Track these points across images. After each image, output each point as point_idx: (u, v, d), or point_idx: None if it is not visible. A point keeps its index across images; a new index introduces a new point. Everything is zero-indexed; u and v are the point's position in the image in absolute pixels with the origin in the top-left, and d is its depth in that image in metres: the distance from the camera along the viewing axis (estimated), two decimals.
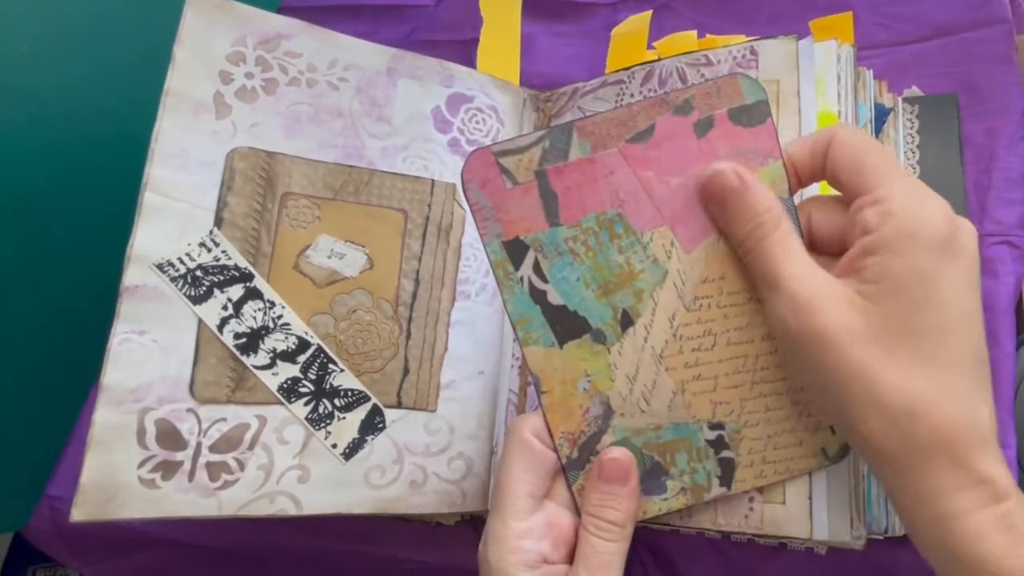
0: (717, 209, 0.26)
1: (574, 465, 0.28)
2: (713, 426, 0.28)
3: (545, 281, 0.27)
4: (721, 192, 0.26)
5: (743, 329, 0.27)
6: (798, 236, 0.25)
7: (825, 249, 0.27)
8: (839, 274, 0.24)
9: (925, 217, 0.23)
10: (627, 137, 0.27)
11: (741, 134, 0.27)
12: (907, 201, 0.23)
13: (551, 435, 0.28)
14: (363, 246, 0.35)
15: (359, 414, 0.33)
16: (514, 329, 0.27)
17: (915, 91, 0.40)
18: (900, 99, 0.38)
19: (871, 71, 0.36)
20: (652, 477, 0.28)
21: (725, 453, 0.28)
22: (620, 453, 0.27)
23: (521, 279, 0.27)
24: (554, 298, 0.27)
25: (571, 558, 0.27)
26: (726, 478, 0.28)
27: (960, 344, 0.22)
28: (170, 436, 0.30)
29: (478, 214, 0.27)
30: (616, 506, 0.26)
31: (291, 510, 0.31)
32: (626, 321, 0.27)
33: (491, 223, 0.27)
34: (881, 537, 0.29)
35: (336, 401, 0.33)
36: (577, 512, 0.28)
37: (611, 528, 0.26)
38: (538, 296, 0.27)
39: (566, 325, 0.27)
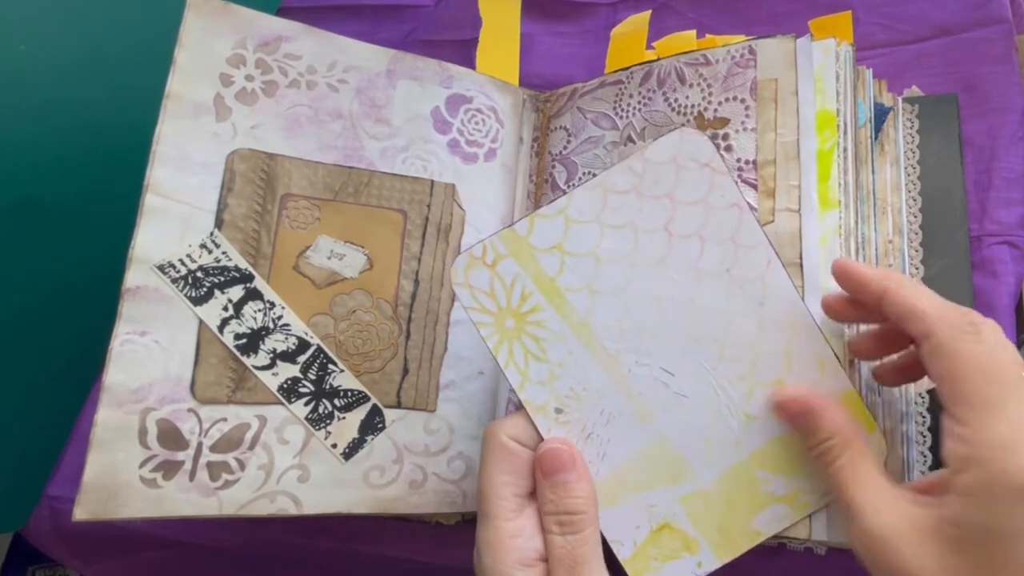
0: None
1: None
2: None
3: None
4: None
5: None
6: (871, 457, 0.24)
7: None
8: (922, 488, 0.23)
9: (1015, 476, 0.20)
10: None
11: None
12: (1000, 454, 0.20)
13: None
14: (363, 247, 0.35)
15: (359, 414, 0.33)
16: None
17: (915, 91, 0.40)
18: (900, 99, 0.38)
19: (871, 70, 0.36)
20: None
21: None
22: (554, 443, 0.27)
23: None
24: None
25: None
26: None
27: None
28: (171, 436, 0.30)
29: None
30: (567, 495, 0.26)
31: (291, 510, 0.31)
32: None
33: None
34: None
35: (336, 401, 0.33)
36: None
37: (570, 520, 0.25)
38: None
39: None
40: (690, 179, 0.28)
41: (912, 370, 0.28)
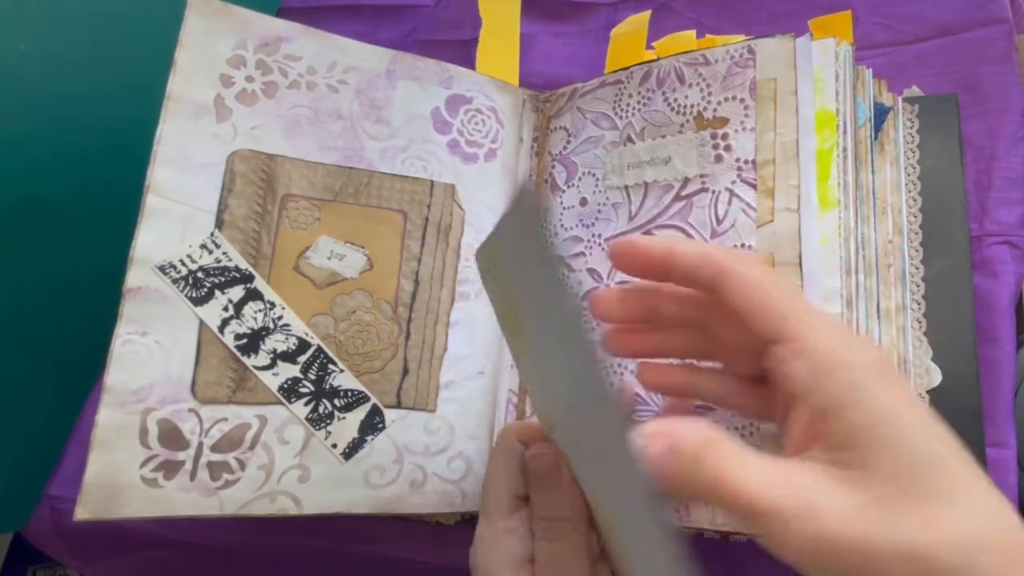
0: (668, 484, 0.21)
1: None
2: None
3: None
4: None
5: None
6: (742, 446, 0.21)
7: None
8: (798, 450, 0.21)
9: (858, 355, 0.20)
10: None
11: None
12: (833, 344, 0.20)
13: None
14: (363, 247, 0.35)
15: (359, 414, 0.34)
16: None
17: (915, 91, 0.40)
18: (900, 99, 0.38)
19: (871, 70, 0.36)
20: None
21: None
22: (539, 449, 0.26)
23: None
24: None
25: None
26: None
27: (961, 466, 0.20)
28: (172, 436, 0.30)
29: None
30: (552, 501, 0.25)
31: (291, 509, 0.31)
32: None
33: None
34: None
35: (336, 401, 0.33)
36: None
37: (560, 526, 0.25)
38: None
39: None
40: None
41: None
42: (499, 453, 0.27)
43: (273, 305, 0.33)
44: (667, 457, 0.21)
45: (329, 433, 0.33)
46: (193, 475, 0.30)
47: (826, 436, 0.20)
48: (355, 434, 0.33)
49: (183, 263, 0.32)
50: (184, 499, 0.30)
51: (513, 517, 0.26)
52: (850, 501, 0.19)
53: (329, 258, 0.34)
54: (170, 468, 0.30)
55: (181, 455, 0.30)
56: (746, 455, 0.20)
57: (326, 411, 0.33)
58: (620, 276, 0.35)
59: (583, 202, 0.37)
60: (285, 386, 0.33)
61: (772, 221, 0.31)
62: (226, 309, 0.32)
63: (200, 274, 0.32)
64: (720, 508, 0.22)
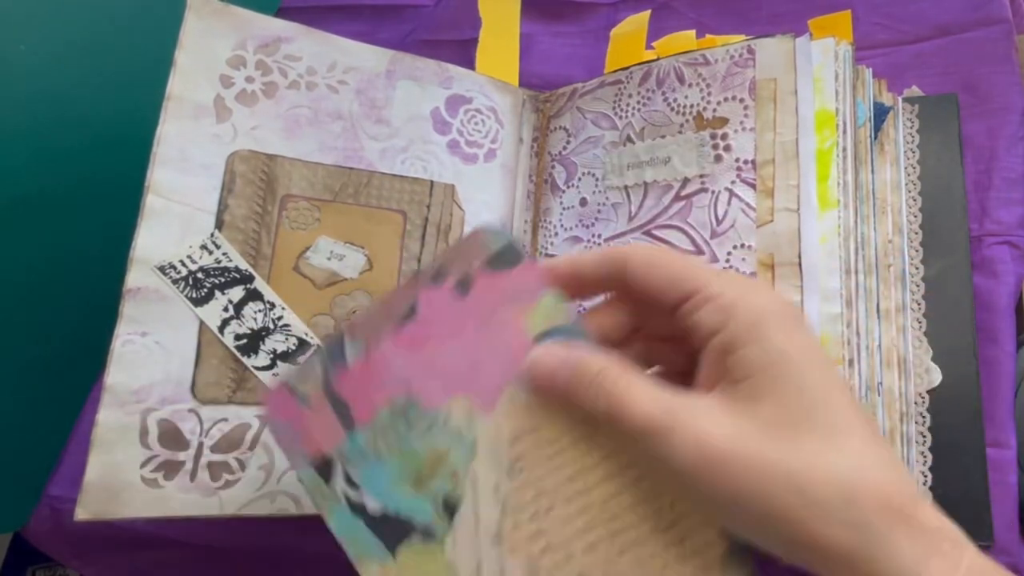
0: (556, 395, 0.24)
1: None
2: None
3: (358, 488, 0.25)
4: (548, 376, 0.24)
5: (576, 478, 0.24)
6: (639, 373, 0.23)
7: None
8: (708, 388, 0.22)
9: (761, 301, 0.21)
10: (394, 323, 0.25)
11: (502, 280, 0.25)
12: (739, 291, 0.22)
13: None
14: (362, 247, 0.35)
15: None
16: (346, 550, 0.25)
17: (915, 91, 0.40)
18: (900, 99, 0.38)
19: (870, 70, 0.36)
20: None
21: None
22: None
23: (337, 496, 0.25)
24: (373, 505, 0.25)
25: None
26: None
27: (849, 410, 0.21)
28: (172, 436, 0.30)
29: (283, 446, 0.26)
30: None
31: (291, 509, 0.31)
32: (450, 508, 0.25)
33: (297, 450, 0.25)
34: None
35: None
36: None
37: None
38: (357, 508, 0.25)
39: (391, 530, 0.25)
40: None
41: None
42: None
43: (273, 305, 0.33)
44: (567, 372, 0.23)
45: None
46: (193, 475, 0.30)
47: (726, 373, 0.22)
48: None
49: (183, 263, 0.32)
50: (184, 499, 0.30)
51: None
52: (738, 423, 0.20)
53: (329, 258, 0.34)
54: (170, 468, 0.30)
55: (181, 455, 0.30)
56: (642, 380, 0.22)
57: None
58: None
59: (583, 202, 0.37)
60: None
61: (772, 221, 0.31)
62: (226, 309, 0.32)
63: (200, 274, 0.32)
64: (615, 426, 0.22)
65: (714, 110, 0.33)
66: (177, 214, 0.32)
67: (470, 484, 0.25)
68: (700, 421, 0.21)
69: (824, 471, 0.20)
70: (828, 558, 0.20)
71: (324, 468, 0.25)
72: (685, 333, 0.23)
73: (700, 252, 0.32)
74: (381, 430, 0.25)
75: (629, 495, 0.24)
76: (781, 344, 0.21)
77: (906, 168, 0.37)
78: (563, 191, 0.38)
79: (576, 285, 0.25)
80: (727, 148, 0.33)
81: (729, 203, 0.32)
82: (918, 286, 0.35)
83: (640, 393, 0.22)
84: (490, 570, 0.24)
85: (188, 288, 0.32)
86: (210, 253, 0.32)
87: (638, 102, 0.36)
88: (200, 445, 0.31)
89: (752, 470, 0.20)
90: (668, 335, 0.25)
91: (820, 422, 0.20)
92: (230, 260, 0.33)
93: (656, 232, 0.34)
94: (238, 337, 0.32)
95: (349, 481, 0.25)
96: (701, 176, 0.33)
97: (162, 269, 0.31)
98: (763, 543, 0.22)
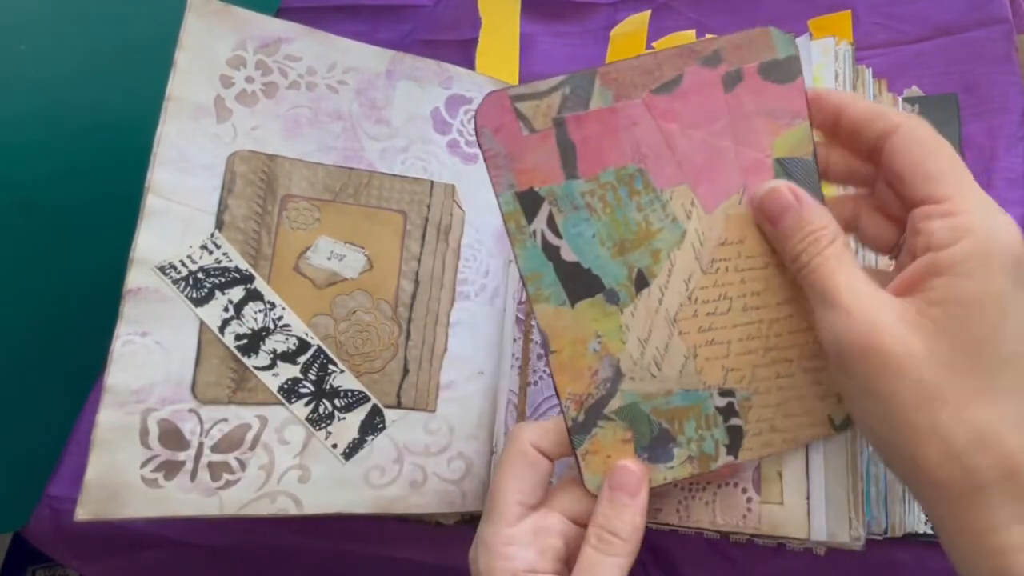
0: (770, 226, 0.26)
1: (580, 429, 0.27)
2: (724, 393, 0.27)
3: (559, 236, 0.26)
4: (777, 209, 0.25)
5: (759, 294, 0.26)
6: (853, 254, 0.24)
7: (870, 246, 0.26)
8: (899, 292, 0.22)
9: (1003, 238, 0.21)
10: (652, 87, 0.25)
11: (770, 91, 0.25)
12: (984, 218, 0.21)
13: (558, 396, 0.27)
14: (363, 247, 0.35)
15: (359, 414, 0.34)
16: (524, 286, 0.26)
17: (915, 91, 0.40)
18: (900, 99, 0.38)
19: (871, 70, 0.36)
20: (659, 445, 0.27)
21: (734, 421, 0.27)
22: (633, 464, 0.27)
23: (534, 233, 0.26)
24: (567, 254, 0.26)
25: (561, 569, 0.26)
26: (734, 447, 0.27)
27: None
28: (172, 436, 0.30)
29: (491, 162, 0.25)
30: (622, 517, 0.26)
31: (292, 510, 0.32)
32: (641, 282, 0.26)
33: (504, 172, 0.25)
34: (880, 537, 0.29)
35: (336, 401, 0.33)
36: (574, 521, 0.27)
37: (614, 541, 0.25)
38: (551, 252, 0.26)
39: (579, 283, 0.26)
40: None
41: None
42: (510, 458, 0.27)
43: (273, 305, 0.33)
44: (791, 219, 0.24)
45: (329, 433, 0.33)
46: (193, 475, 0.30)
47: (929, 287, 0.22)
48: (355, 434, 0.33)
49: (183, 264, 0.32)
50: (184, 499, 0.30)
51: (518, 525, 0.26)
52: (921, 346, 0.21)
53: (329, 258, 0.35)
54: (170, 468, 0.30)
55: (181, 455, 0.30)
56: (854, 263, 0.23)
57: (326, 411, 0.33)
58: None
59: None
60: (285, 386, 0.33)
61: None
62: (226, 309, 0.32)
63: (200, 275, 0.32)
64: (804, 282, 0.24)
65: None
66: (177, 214, 0.32)
67: (667, 267, 0.26)
68: (887, 324, 0.21)
69: (968, 415, 0.20)
70: (932, 487, 0.21)
71: (528, 202, 0.26)
72: (908, 227, 0.23)
73: None
74: (601, 189, 0.26)
75: (794, 327, 0.27)
76: (999, 290, 0.21)
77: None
78: None
79: (831, 124, 0.25)
80: None
81: None
82: None
83: (847, 271, 0.23)
84: (657, 342, 0.27)
85: (188, 288, 0.32)
86: (210, 253, 0.32)
87: None
88: (200, 445, 0.31)
89: (912, 396, 0.21)
90: (879, 206, 0.25)
91: (993, 375, 0.21)
92: (230, 260, 0.33)
93: None
94: (238, 337, 0.32)
95: (551, 225, 0.26)
96: None
97: (162, 269, 0.31)
98: (887, 449, 0.23)
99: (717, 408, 0.27)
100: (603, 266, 0.26)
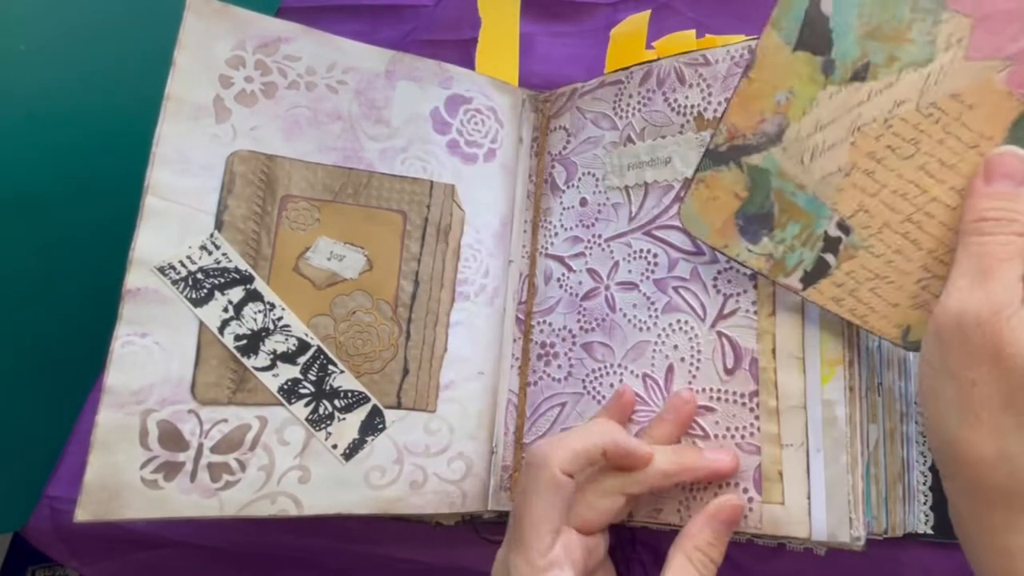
0: (983, 182, 0.25)
1: (714, 157, 0.27)
2: (841, 226, 0.26)
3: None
4: (1003, 171, 0.24)
5: (945, 166, 0.25)
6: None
7: None
8: None
9: None
10: None
11: None
12: None
13: (720, 121, 0.27)
14: (362, 248, 0.35)
15: (359, 415, 0.34)
16: (774, 5, 0.26)
17: None
18: None
19: None
20: (757, 223, 0.27)
21: (829, 256, 0.27)
22: (737, 502, 0.28)
23: None
24: (826, 5, 0.26)
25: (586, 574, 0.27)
26: (810, 278, 0.27)
27: None
28: (172, 437, 0.30)
29: None
30: (720, 547, 0.27)
31: (292, 510, 0.31)
32: (860, 74, 0.26)
33: None
34: (880, 537, 0.29)
35: (336, 402, 0.33)
36: (580, 530, 0.28)
37: (710, 567, 0.27)
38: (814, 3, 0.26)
39: (814, 35, 0.26)
40: None
41: None
42: (545, 487, 0.27)
43: (273, 306, 0.33)
44: (1009, 186, 0.24)
45: (329, 434, 0.33)
46: (193, 476, 0.30)
47: None
48: (355, 435, 0.33)
49: (183, 264, 0.32)
50: (184, 500, 0.30)
51: (554, 549, 0.27)
52: None
53: (329, 259, 0.34)
54: (170, 469, 0.30)
55: (181, 456, 0.30)
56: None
57: (326, 412, 0.33)
58: (620, 276, 0.35)
59: (583, 202, 0.37)
60: (285, 387, 0.33)
61: None
62: (226, 310, 0.32)
63: (200, 275, 0.32)
64: (967, 246, 0.24)
65: (715, 110, 0.33)
66: (177, 215, 0.32)
67: (891, 78, 0.26)
68: (1010, 317, 0.22)
69: None
70: (970, 477, 0.22)
71: None
72: None
73: (700, 252, 0.32)
74: None
75: (947, 220, 0.25)
76: None
77: None
78: (563, 191, 0.38)
79: None
80: None
81: None
82: None
83: (1012, 256, 0.23)
84: (828, 136, 0.26)
85: (188, 289, 0.32)
86: (210, 254, 0.32)
87: (638, 102, 0.36)
88: (200, 446, 0.31)
89: (994, 392, 0.21)
90: None
91: None
92: (230, 261, 0.33)
93: (656, 232, 0.34)
94: (238, 338, 0.32)
95: None
96: None
97: (162, 270, 0.31)
98: (929, 416, 0.24)
99: (826, 233, 0.27)
100: (844, 35, 0.26)
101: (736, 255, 0.28)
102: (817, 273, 0.27)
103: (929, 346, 0.24)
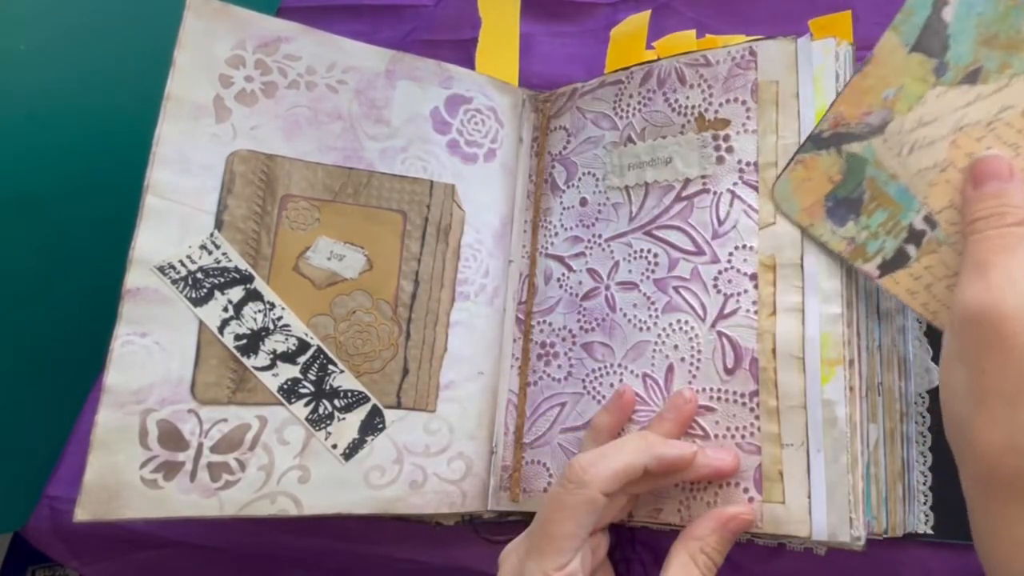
0: (972, 187, 0.26)
1: (816, 141, 0.28)
2: (928, 220, 0.27)
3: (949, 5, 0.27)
4: (986, 174, 0.26)
5: None
6: None
7: None
8: None
9: None
10: None
11: None
12: None
13: (830, 108, 0.28)
14: (362, 247, 0.35)
15: (359, 414, 0.34)
16: (902, 7, 0.27)
17: None
18: None
19: None
20: (844, 207, 0.28)
21: (911, 248, 0.28)
22: (750, 516, 0.28)
23: None
24: (947, 12, 0.27)
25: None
26: (889, 267, 0.28)
27: None
28: (172, 437, 0.30)
29: None
30: (724, 552, 0.28)
31: (292, 510, 0.31)
32: (971, 78, 0.27)
33: None
34: (880, 537, 0.29)
35: (336, 402, 0.33)
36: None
37: (712, 569, 0.28)
38: (939, 1, 0.27)
39: (932, 39, 0.27)
40: None
41: None
42: (578, 505, 0.27)
43: (273, 306, 0.33)
44: (996, 186, 0.25)
45: (329, 434, 0.33)
46: (193, 476, 0.30)
47: None
48: (355, 434, 0.33)
49: (182, 264, 0.32)
50: (184, 500, 0.30)
51: (570, 566, 0.27)
52: None
53: (329, 258, 0.34)
54: (170, 469, 0.30)
55: (181, 456, 0.30)
56: None
57: (326, 412, 0.33)
58: (620, 276, 0.35)
59: (583, 202, 0.37)
60: (285, 387, 0.33)
61: (774, 223, 0.31)
62: (226, 310, 0.32)
63: (200, 275, 0.32)
64: (969, 245, 0.25)
65: (716, 111, 0.33)
66: (176, 214, 0.32)
67: (1000, 84, 0.27)
68: (1015, 307, 0.22)
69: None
70: (982, 466, 0.22)
71: None
72: None
73: (701, 252, 0.32)
74: None
75: None
76: None
77: None
78: (563, 191, 0.38)
79: None
80: (729, 150, 0.33)
81: (731, 205, 0.32)
82: None
83: (1008, 246, 0.24)
84: (930, 133, 0.27)
85: (188, 288, 0.32)
86: (210, 253, 0.32)
87: (639, 102, 0.36)
88: (200, 446, 0.31)
89: (1006, 382, 0.22)
90: None
91: None
92: (230, 260, 0.33)
93: (657, 232, 0.34)
94: (238, 337, 0.32)
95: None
96: (703, 177, 0.33)
97: (161, 269, 0.31)
98: (948, 408, 0.24)
99: (911, 225, 0.28)
100: (962, 42, 0.27)
101: (819, 235, 0.29)
102: (895, 263, 0.28)
103: (947, 340, 0.25)
